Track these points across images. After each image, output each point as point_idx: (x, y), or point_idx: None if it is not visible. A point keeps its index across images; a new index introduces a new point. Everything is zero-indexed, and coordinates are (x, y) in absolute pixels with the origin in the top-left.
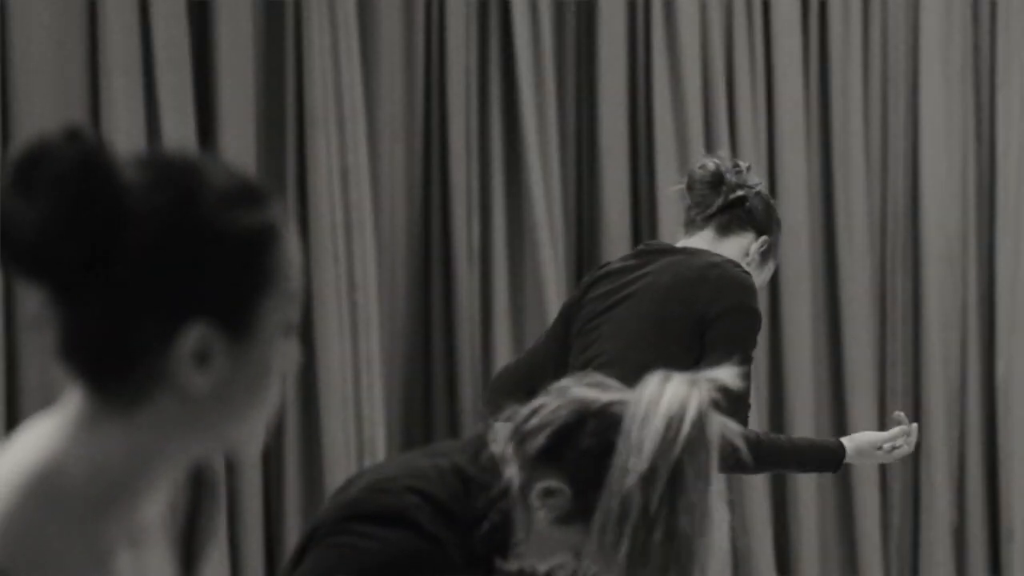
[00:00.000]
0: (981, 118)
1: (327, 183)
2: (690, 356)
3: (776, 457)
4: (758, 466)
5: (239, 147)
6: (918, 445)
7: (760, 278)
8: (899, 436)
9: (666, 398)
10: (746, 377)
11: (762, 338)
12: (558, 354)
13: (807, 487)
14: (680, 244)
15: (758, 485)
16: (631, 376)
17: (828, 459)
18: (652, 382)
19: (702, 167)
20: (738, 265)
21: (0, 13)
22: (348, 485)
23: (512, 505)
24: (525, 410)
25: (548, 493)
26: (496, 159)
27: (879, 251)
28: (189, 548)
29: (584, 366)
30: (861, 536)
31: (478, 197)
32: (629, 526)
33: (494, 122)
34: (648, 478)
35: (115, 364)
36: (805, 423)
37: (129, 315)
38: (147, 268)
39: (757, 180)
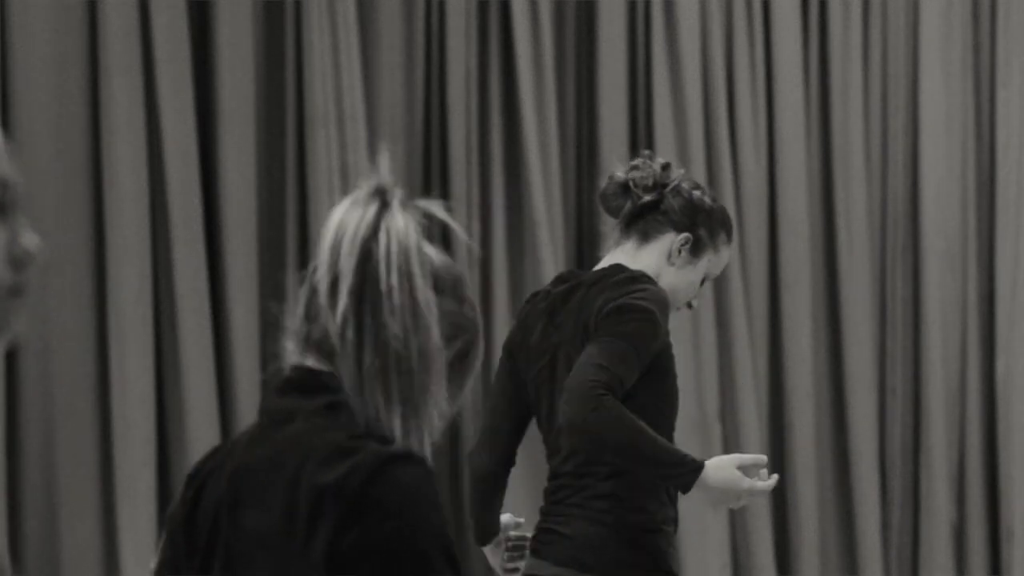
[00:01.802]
0: (981, 118)
1: (327, 183)
2: (643, 383)
3: (620, 423)
4: (599, 426)
5: (239, 147)
6: (918, 445)
7: (695, 273)
8: (759, 465)
9: (351, 220)
10: (621, 361)
11: (762, 338)
12: (519, 398)
13: (807, 487)
14: (600, 265)
15: None
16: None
17: (685, 462)
18: (337, 209)
19: (609, 179)
20: (644, 276)
21: (0, 13)
22: (275, 477)
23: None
24: (321, 313)
25: (382, 342)
26: (496, 159)
27: (879, 251)
28: None
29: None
30: (861, 536)
31: (478, 197)
32: (368, 344)
33: (494, 122)
34: (355, 294)
35: None
36: (805, 423)
37: None
38: None
39: (677, 175)
